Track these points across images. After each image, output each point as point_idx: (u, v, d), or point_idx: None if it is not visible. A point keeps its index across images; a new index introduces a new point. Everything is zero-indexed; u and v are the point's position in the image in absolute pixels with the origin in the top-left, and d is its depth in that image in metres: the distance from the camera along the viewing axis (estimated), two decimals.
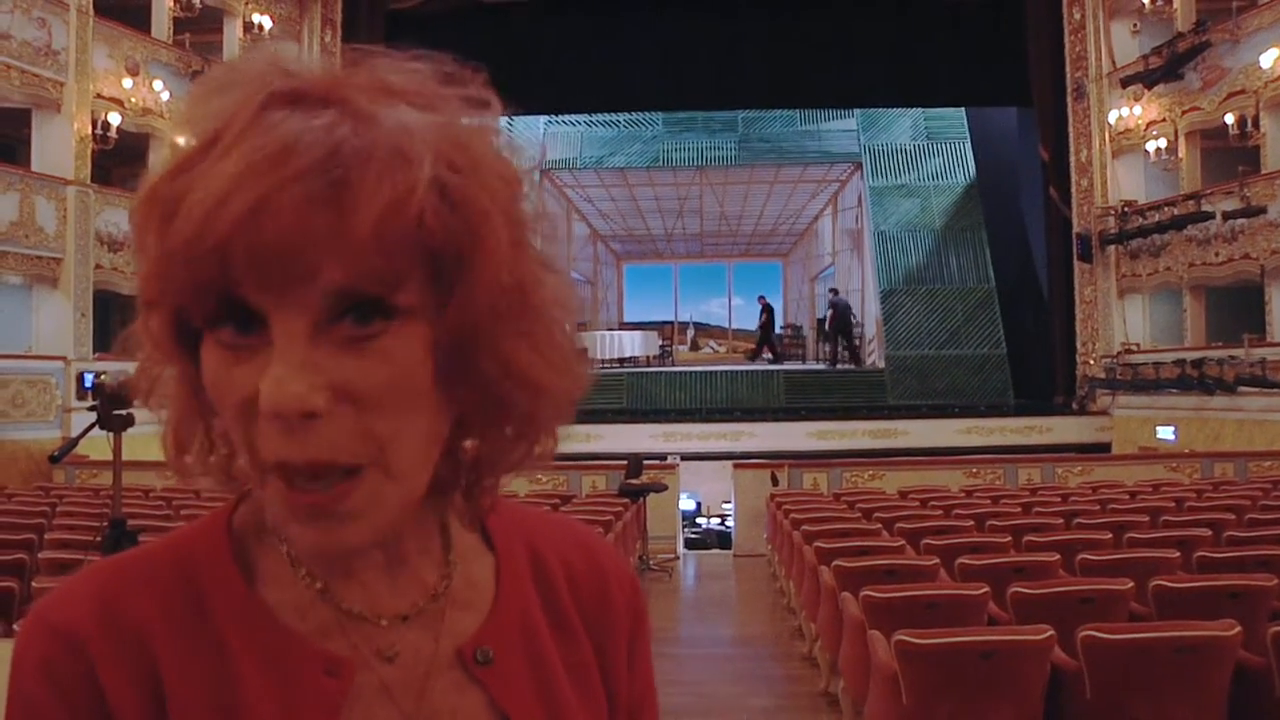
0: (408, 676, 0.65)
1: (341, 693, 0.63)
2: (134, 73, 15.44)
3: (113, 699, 0.60)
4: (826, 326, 23.36)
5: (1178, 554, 5.54)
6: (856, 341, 23.41)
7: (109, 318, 16.69)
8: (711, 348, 25.48)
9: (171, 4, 16.29)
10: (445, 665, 0.67)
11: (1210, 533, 6.36)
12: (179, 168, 0.55)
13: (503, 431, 0.65)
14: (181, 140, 0.57)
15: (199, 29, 16.65)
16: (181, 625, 0.63)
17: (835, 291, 23.47)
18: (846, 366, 23.04)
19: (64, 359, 13.83)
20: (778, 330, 25.14)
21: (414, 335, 0.57)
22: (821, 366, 23.56)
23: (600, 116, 23.61)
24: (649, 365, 23.56)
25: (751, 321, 25.10)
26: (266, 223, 0.53)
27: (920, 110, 23.57)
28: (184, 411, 0.63)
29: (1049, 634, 3.59)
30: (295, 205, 0.53)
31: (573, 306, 0.65)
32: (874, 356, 22.91)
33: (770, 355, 23.89)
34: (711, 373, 22.27)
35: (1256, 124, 15.12)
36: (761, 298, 24.62)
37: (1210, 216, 15.62)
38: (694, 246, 25.52)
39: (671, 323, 25.38)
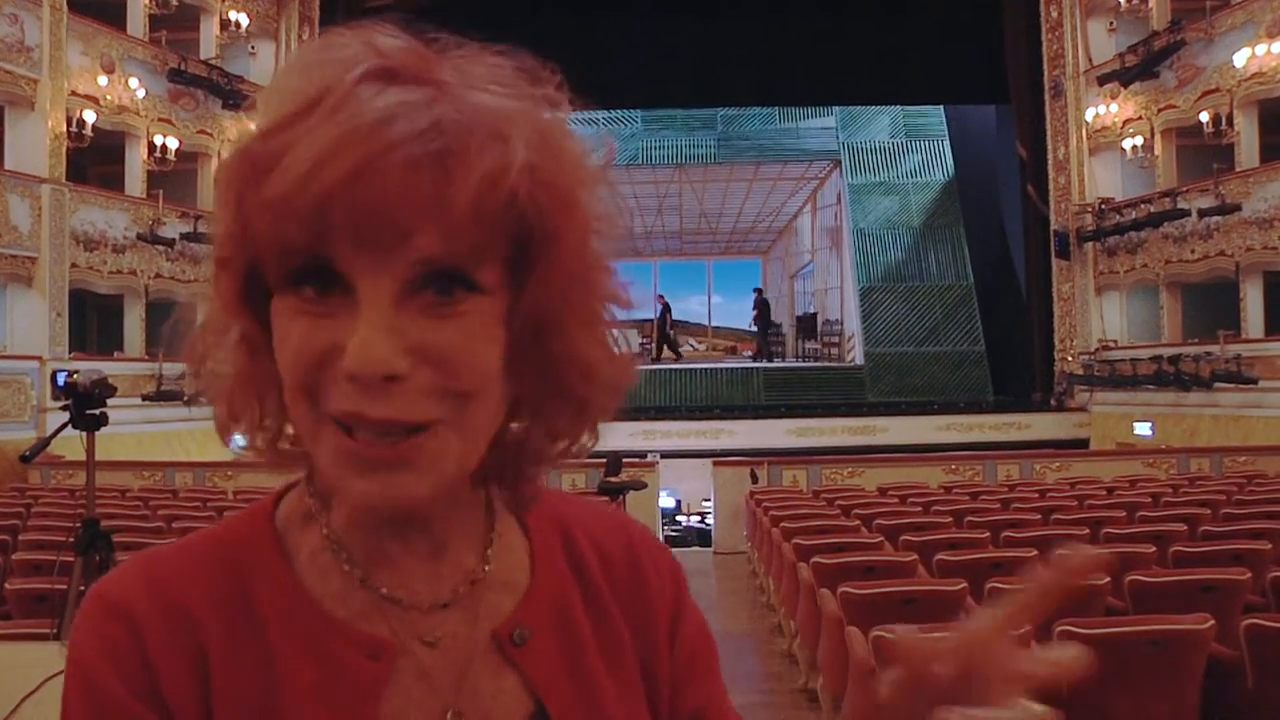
0: (447, 661, 0.66)
1: (383, 676, 0.64)
2: (109, 70, 15.34)
3: (162, 673, 0.62)
4: (752, 324, 23.57)
5: (1153, 549, 5.58)
6: (770, 340, 23.63)
7: (84, 317, 16.61)
8: (691, 345, 25.52)
9: (147, 1, 16.19)
10: (483, 649, 0.68)
11: (1186, 527, 6.40)
12: (274, 129, 0.56)
13: (555, 420, 0.67)
14: (271, 106, 0.58)
15: (175, 26, 16.56)
16: (226, 608, 0.65)
17: (759, 290, 23.63)
18: (828, 364, 23.15)
19: (39, 359, 13.71)
20: (754, 327, 25.22)
21: (490, 312, 0.59)
22: (801, 364, 23.65)
23: (578, 114, 23.49)
24: (635, 366, 23.44)
25: (732, 319, 25.17)
26: (369, 185, 0.54)
27: (899, 108, 23.69)
28: (240, 378, 0.64)
29: (1026, 629, 3.61)
30: (398, 170, 0.54)
31: (624, 304, 0.67)
32: (853, 354, 23.04)
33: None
34: (691, 370, 22.34)
35: (1230, 122, 15.24)
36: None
37: (1186, 214, 15.75)
38: (673, 244, 25.57)
39: (651, 320, 25.41)
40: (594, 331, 0.65)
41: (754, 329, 24.74)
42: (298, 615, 0.65)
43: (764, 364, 23.56)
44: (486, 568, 0.70)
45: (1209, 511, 7.09)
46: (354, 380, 0.56)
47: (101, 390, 3.95)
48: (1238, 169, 15.19)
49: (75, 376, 3.99)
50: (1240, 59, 14.81)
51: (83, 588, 3.77)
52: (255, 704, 0.62)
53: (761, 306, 24.48)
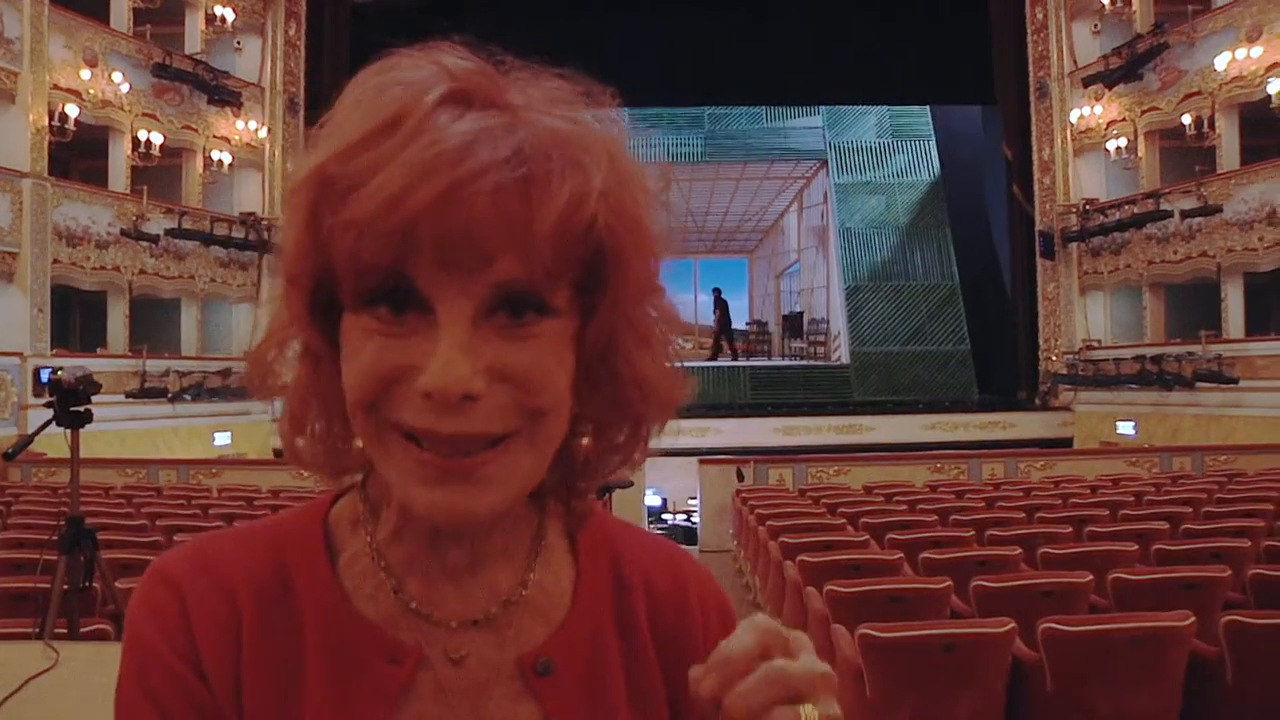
0: (468, 681, 0.67)
1: (400, 682, 0.65)
2: (92, 64, 15.24)
3: (201, 640, 0.65)
4: (715, 323, 23.70)
5: (1136, 547, 5.61)
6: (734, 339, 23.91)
7: (67, 313, 16.50)
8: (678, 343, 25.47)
9: None
10: (507, 674, 0.68)
11: (1168, 526, 6.43)
12: (351, 150, 0.57)
13: (614, 435, 0.68)
14: (343, 126, 0.59)
15: (160, 20, 16.48)
16: (265, 594, 0.67)
17: (718, 290, 23.76)
18: (814, 363, 23.19)
19: (20, 355, 13.63)
20: (743, 326, 25.18)
21: (561, 333, 0.61)
22: (788, 362, 23.68)
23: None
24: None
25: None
26: (457, 209, 0.55)
27: (885, 108, 23.73)
28: (303, 391, 0.66)
29: (1010, 627, 3.63)
30: (486, 195, 0.56)
31: (678, 324, 0.69)
32: (839, 353, 23.07)
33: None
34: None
35: (1212, 125, 15.39)
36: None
37: (1169, 215, 15.89)
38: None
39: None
40: (652, 349, 0.66)
41: (715, 327, 24.76)
42: (331, 611, 0.67)
43: (754, 362, 23.58)
44: (524, 591, 0.70)
45: (1190, 510, 7.13)
46: (431, 399, 0.57)
47: (86, 387, 3.91)
48: (1219, 171, 15.34)
49: (60, 373, 3.92)
50: (1221, 63, 14.97)
51: (66, 586, 3.73)
52: (278, 685, 0.65)
53: (722, 307, 24.55)
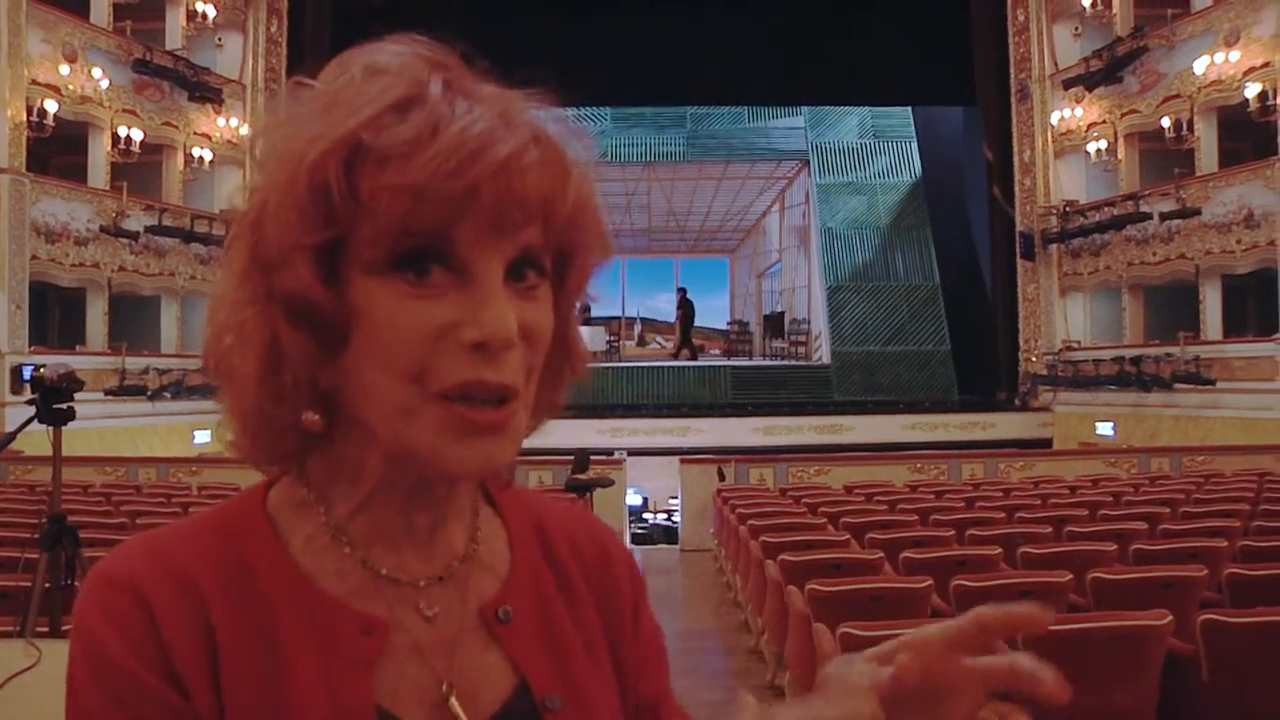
0: (440, 636, 0.70)
1: (376, 650, 0.68)
2: (71, 59, 15.18)
3: (171, 643, 0.64)
4: (676, 322, 23.82)
5: (1115, 546, 5.64)
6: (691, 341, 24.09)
7: (46, 310, 16.39)
8: (659, 343, 25.54)
9: None
10: (471, 625, 0.72)
11: (1146, 525, 6.47)
12: (379, 121, 0.61)
13: (547, 398, 0.72)
14: (349, 104, 0.62)
15: (140, 16, 16.43)
16: (229, 584, 0.67)
17: (683, 291, 23.86)
18: (795, 363, 23.25)
19: None
20: (724, 326, 25.28)
21: (549, 299, 0.68)
22: (769, 362, 23.75)
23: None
24: (595, 360, 23.33)
25: (700, 317, 25.21)
26: (512, 177, 0.61)
27: (867, 109, 23.84)
28: (271, 366, 0.66)
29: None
30: (532, 169, 0.62)
31: (590, 303, 0.77)
32: (820, 353, 23.16)
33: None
34: (658, 368, 22.36)
35: (1191, 127, 15.56)
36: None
37: (1148, 217, 16.02)
38: (641, 242, 25.55)
39: (618, 318, 25.39)
40: (576, 325, 0.73)
41: (678, 326, 24.91)
42: (296, 592, 0.68)
43: (735, 362, 23.64)
44: (475, 547, 0.75)
45: (1168, 510, 7.17)
46: (481, 349, 0.62)
47: (69, 384, 3.85)
48: (1198, 174, 15.48)
49: (43, 370, 3.85)
50: (1200, 66, 15.14)
51: (48, 584, 3.72)
52: (260, 673, 0.65)
53: (686, 306, 24.64)
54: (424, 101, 0.61)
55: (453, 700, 0.68)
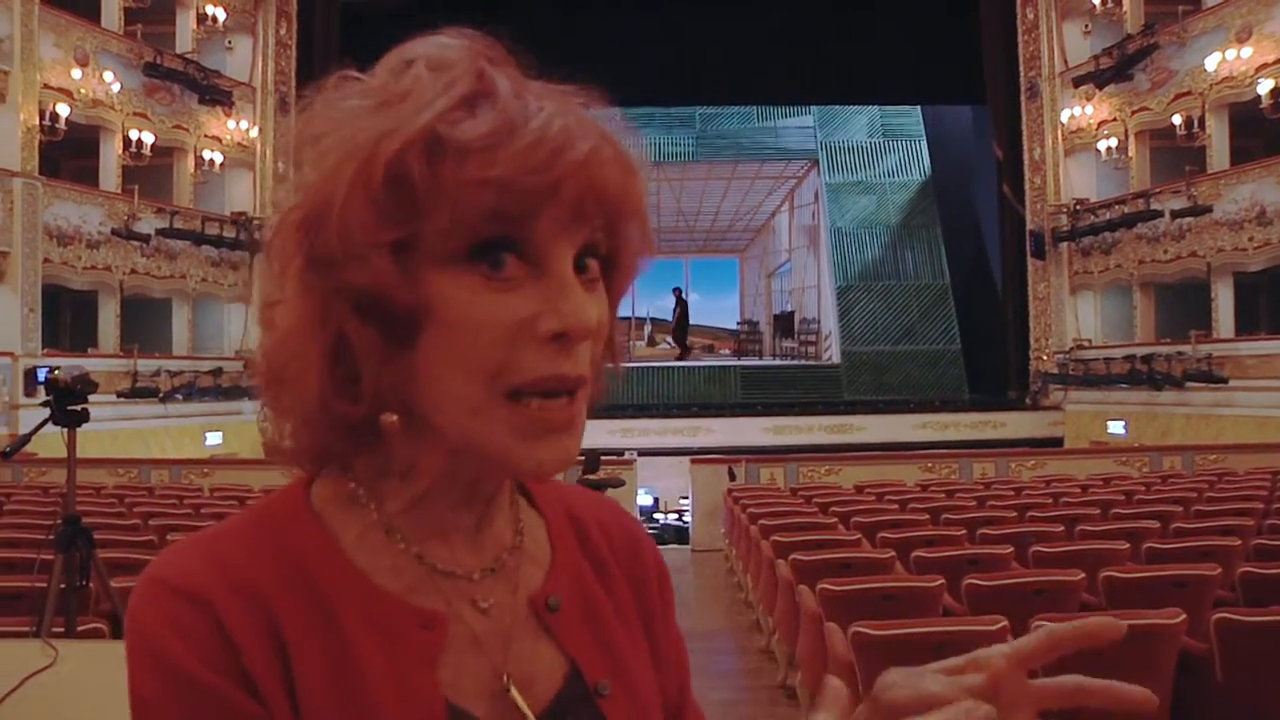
0: (495, 627, 0.71)
1: (439, 645, 0.68)
2: (83, 63, 15.27)
3: (242, 649, 0.63)
4: (673, 321, 23.85)
5: (1127, 545, 5.62)
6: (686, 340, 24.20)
7: (58, 313, 16.51)
8: (668, 344, 25.56)
9: None
10: (523, 616, 0.73)
11: (1158, 524, 6.44)
12: (453, 115, 0.61)
13: (594, 386, 0.71)
14: (412, 97, 0.62)
15: (151, 20, 16.53)
16: (288, 584, 0.67)
17: (679, 290, 23.91)
18: (805, 362, 23.28)
19: (11, 355, 13.65)
20: (734, 325, 25.27)
21: (603, 288, 0.68)
22: (779, 362, 23.76)
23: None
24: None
25: (709, 316, 25.23)
26: (594, 170, 0.62)
27: (876, 108, 23.86)
28: (332, 366, 0.65)
29: (1002, 624, 3.63)
30: (610, 164, 0.64)
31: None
32: (830, 352, 23.16)
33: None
34: (669, 368, 22.40)
35: (1202, 125, 15.52)
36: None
37: (1159, 215, 15.98)
38: None
39: (628, 318, 25.40)
40: (617, 319, 0.73)
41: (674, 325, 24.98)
42: (354, 588, 0.68)
43: (745, 362, 23.67)
44: (520, 538, 0.76)
45: (1180, 509, 7.14)
46: (562, 340, 0.62)
47: (83, 386, 3.90)
48: (1209, 171, 15.43)
49: (57, 372, 3.90)
50: (1211, 63, 15.08)
51: (63, 585, 3.74)
52: (331, 672, 0.65)
53: (682, 305, 24.68)
54: (493, 96, 0.62)
55: (513, 691, 0.69)
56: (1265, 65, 14.33)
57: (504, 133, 0.60)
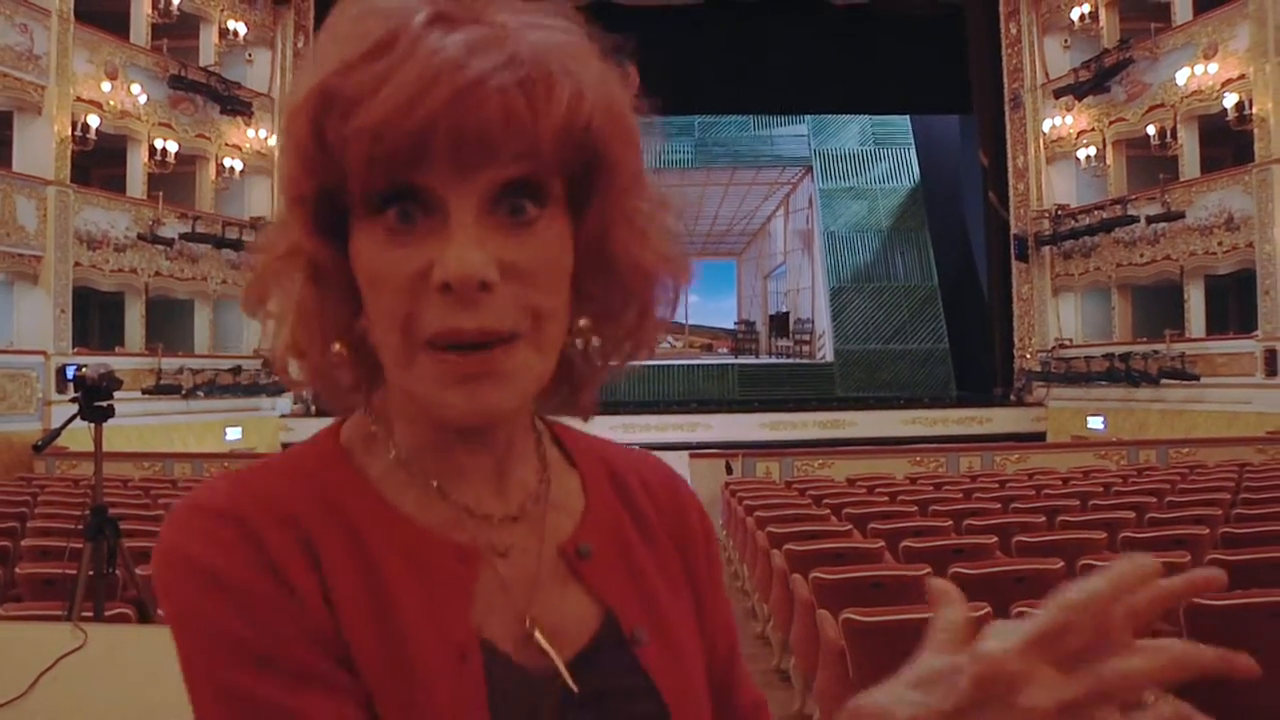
0: (519, 572, 0.68)
1: (471, 578, 0.66)
2: (113, 76, 15.54)
3: (281, 564, 0.61)
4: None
5: (1104, 535, 5.65)
6: None
7: (87, 313, 16.57)
8: (669, 343, 25.66)
9: (150, 11, 16.37)
10: (550, 562, 0.70)
11: (1134, 515, 6.48)
12: (350, 67, 0.57)
13: (621, 323, 0.70)
14: (333, 50, 0.59)
15: (176, 35, 16.74)
16: (326, 516, 0.64)
17: None
18: (799, 361, 23.51)
19: (44, 353, 13.95)
20: (731, 325, 25.46)
21: (559, 225, 0.62)
22: (774, 360, 23.97)
23: None
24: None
25: (708, 317, 25.35)
26: (468, 109, 0.56)
27: (868, 117, 23.95)
28: (304, 313, 0.65)
29: (986, 611, 3.58)
30: (494, 96, 0.57)
31: (670, 203, 0.71)
32: (824, 351, 23.35)
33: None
34: (668, 366, 22.43)
35: (1174, 135, 15.82)
36: None
37: (1135, 220, 16.30)
38: None
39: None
40: (649, 238, 0.68)
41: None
42: (388, 523, 0.66)
43: (742, 360, 24.04)
44: (546, 488, 0.73)
45: (1155, 500, 7.14)
46: (449, 291, 0.58)
47: (109, 383, 3.94)
48: (1181, 179, 15.73)
49: (84, 370, 3.96)
50: (1181, 77, 15.40)
51: (92, 572, 3.80)
52: (367, 604, 0.63)
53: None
54: (398, 41, 0.57)
55: (537, 634, 0.66)
56: (1230, 81, 14.61)
57: (381, 77, 0.56)
